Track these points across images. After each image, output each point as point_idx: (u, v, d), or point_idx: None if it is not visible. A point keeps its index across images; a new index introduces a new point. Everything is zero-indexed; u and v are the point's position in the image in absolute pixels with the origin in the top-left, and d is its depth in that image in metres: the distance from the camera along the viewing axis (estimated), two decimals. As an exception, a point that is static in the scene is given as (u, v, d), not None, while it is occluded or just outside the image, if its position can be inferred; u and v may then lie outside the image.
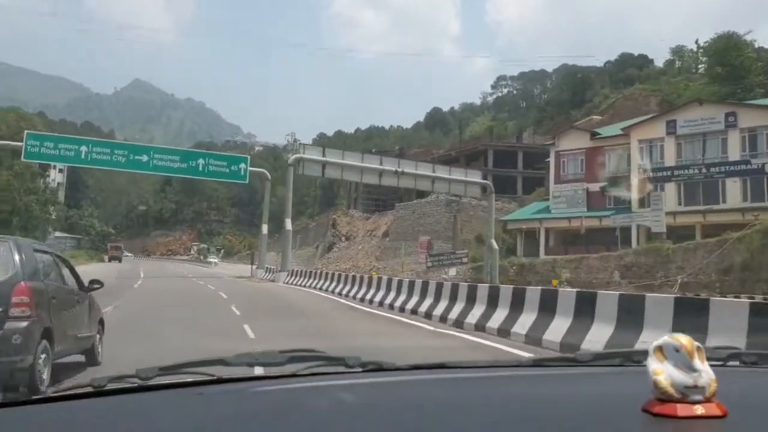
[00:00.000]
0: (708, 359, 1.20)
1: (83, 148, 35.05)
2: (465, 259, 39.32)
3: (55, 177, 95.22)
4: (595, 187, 46.15)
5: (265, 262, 40.74)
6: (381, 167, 36.93)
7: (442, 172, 39.43)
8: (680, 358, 1.13)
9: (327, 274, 26.72)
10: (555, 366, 1.65)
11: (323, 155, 35.70)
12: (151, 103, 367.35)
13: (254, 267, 42.04)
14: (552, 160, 48.69)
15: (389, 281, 20.02)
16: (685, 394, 1.10)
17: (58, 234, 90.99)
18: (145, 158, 36.12)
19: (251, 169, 38.66)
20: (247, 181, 38.78)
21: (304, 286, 28.49)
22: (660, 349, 1.15)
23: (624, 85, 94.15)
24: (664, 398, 1.10)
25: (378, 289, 20.24)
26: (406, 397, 1.37)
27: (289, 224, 36.59)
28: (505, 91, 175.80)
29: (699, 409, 1.09)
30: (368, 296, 20.29)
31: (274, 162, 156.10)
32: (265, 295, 22.76)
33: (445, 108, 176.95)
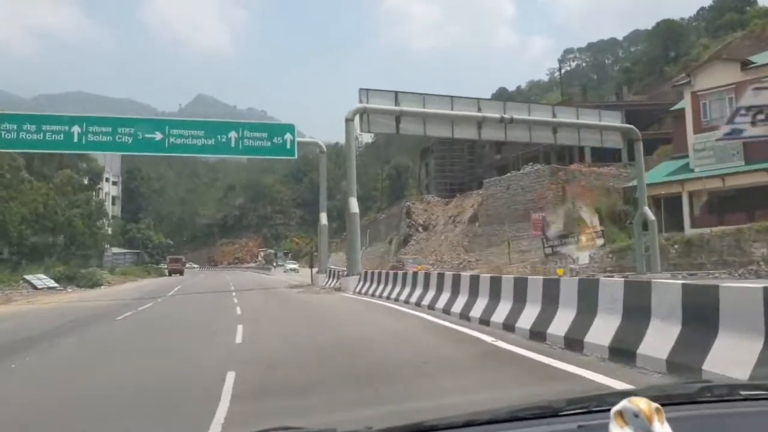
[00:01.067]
0: (676, 396, 1.29)
1: (75, 129, 25.64)
2: (601, 240, 27.95)
3: (109, 190, 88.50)
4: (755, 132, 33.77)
5: (328, 264, 30.54)
6: (480, 114, 25.66)
7: (566, 115, 27.79)
8: (640, 423, 1.11)
9: (420, 277, 15.90)
10: (529, 419, 1.58)
11: (396, 103, 24.81)
12: (215, 116, 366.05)
13: (314, 271, 31.89)
14: (688, 103, 36.48)
15: (516, 284, 10.36)
16: None
17: (115, 250, 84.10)
18: (158, 136, 26.46)
19: (300, 140, 28.43)
20: (295, 156, 28.56)
21: (386, 297, 17.90)
22: (620, 414, 1.14)
23: (725, 31, 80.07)
24: None
25: (514, 300, 9.83)
26: None
27: (354, 205, 25.76)
28: (574, 64, 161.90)
29: None
30: (514, 319, 9.64)
31: (336, 158, 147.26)
32: (312, 329, 12.11)
33: (511, 88, 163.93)
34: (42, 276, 44.04)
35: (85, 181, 78.70)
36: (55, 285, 42.98)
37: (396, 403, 5.71)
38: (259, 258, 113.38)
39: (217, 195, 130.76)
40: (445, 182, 71.03)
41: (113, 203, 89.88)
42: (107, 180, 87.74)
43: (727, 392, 1.59)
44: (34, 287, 41.19)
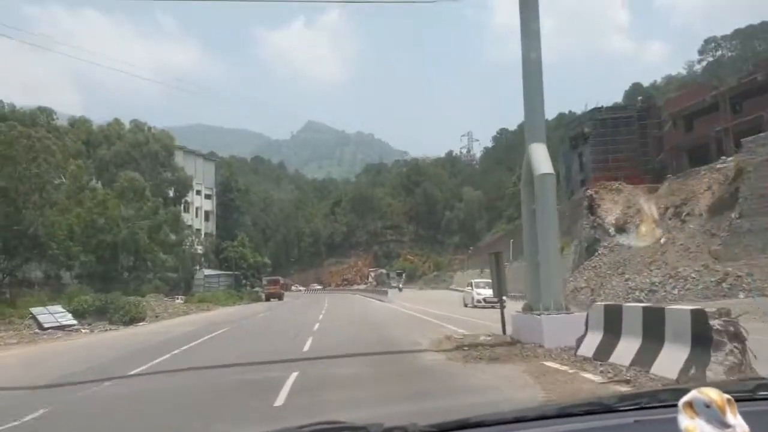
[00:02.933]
0: (735, 392, 1.14)
1: None
2: None
3: (201, 204, 75.05)
4: None
5: (555, 282, 12.20)
6: None
7: None
8: (712, 414, 1.01)
9: None
10: (581, 415, 1.43)
11: None
12: (325, 142, 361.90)
13: (520, 305, 13.48)
14: None
15: None
16: None
17: (208, 271, 70.22)
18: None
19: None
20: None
21: None
22: (690, 404, 1.04)
23: None
24: None
25: None
26: None
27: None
28: (718, 53, 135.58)
29: None
30: None
31: (452, 168, 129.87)
32: None
33: (645, 84, 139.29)
34: (58, 309, 28.99)
35: (171, 193, 65.56)
36: (72, 322, 27.90)
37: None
38: (370, 279, 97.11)
39: (323, 211, 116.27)
40: (607, 174, 51.45)
41: (206, 218, 76.49)
42: (199, 193, 74.37)
43: None
44: (41, 326, 26.18)
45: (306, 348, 12.69)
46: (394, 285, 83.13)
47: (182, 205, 69.58)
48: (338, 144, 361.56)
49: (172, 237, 56.46)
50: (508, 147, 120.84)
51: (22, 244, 37.89)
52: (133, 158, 56.54)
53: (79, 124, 58.89)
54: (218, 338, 17.27)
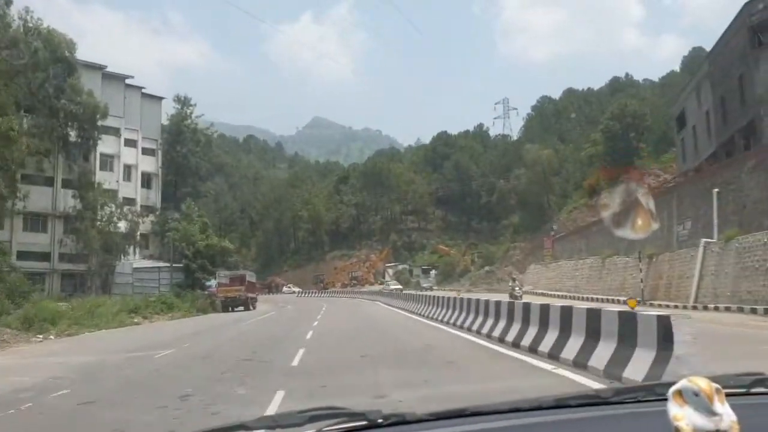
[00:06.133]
0: (732, 387, 1.19)
1: None
2: None
3: (137, 161, 47.16)
4: None
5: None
6: None
7: None
8: (700, 402, 1.03)
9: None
10: (577, 407, 1.43)
11: None
12: (331, 137, 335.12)
13: None
14: None
15: None
16: None
17: (139, 263, 42.68)
18: None
19: None
20: None
21: None
22: (679, 393, 1.06)
23: None
24: None
25: None
26: None
27: None
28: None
29: None
30: None
31: (484, 141, 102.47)
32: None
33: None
34: None
35: (72, 135, 38.34)
36: None
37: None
38: (387, 277, 69.38)
39: (326, 191, 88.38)
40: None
41: (147, 185, 48.71)
42: (132, 144, 46.62)
43: None
44: None
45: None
46: (425, 286, 55.33)
47: (95, 159, 42.03)
48: (345, 140, 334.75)
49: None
50: (557, 114, 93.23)
51: None
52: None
53: None
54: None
